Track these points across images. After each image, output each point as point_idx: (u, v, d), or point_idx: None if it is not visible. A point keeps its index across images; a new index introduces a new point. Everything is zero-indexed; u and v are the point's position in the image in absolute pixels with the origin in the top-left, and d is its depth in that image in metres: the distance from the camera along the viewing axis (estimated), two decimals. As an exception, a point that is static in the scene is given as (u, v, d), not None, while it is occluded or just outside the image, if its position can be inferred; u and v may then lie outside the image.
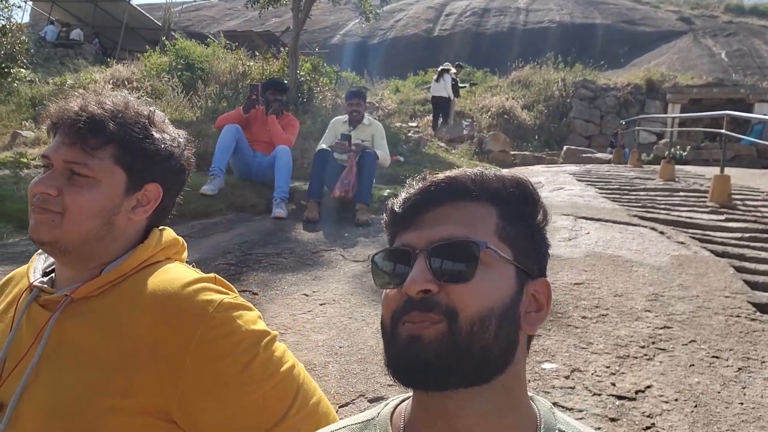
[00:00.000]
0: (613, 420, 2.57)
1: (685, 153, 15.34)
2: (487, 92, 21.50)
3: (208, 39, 15.98)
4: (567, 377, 2.93)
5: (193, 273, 1.25)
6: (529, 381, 2.86)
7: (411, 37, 33.59)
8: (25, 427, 1.11)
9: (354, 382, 2.82)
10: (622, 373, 2.99)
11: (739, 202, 7.56)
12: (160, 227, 1.36)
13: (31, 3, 26.13)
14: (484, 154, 13.27)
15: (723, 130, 8.86)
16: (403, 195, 0.90)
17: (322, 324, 3.41)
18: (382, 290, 0.87)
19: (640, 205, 7.45)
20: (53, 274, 1.30)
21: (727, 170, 8.09)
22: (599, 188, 8.64)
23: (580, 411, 2.63)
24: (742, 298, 4.09)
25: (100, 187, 1.21)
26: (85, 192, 1.19)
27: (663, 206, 7.39)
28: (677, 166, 10.78)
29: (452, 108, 15.76)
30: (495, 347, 0.80)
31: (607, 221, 6.19)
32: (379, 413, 0.91)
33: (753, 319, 3.74)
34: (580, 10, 34.56)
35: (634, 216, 6.64)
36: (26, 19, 27.79)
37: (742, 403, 2.77)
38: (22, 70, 14.17)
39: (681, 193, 8.41)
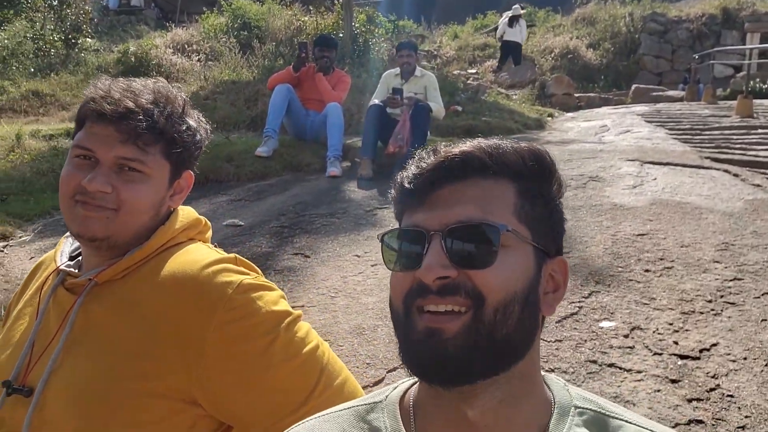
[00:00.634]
0: (674, 381, 2.45)
1: (766, 86, 14.36)
2: (549, 32, 20.58)
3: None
4: (626, 336, 2.80)
5: (214, 254, 1.23)
6: (585, 341, 2.76)
7: (469, -21, 32.45)
8: (52, 412, 1.12)
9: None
10: (686, 330, 2.84)
11: (824, 138, 7.04)
12: (181, 208, 1.34)
13: (92, -28, 26.59)
14: (546, 99, 12.81)
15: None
16: (413, 169, 0.83)
17: (373, 286, 3.38)
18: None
19: (713, 145, 7.04)
20: (80, 258, 1.29)
21: (811, 103, 7.51)
22: (669, 129, 8.21)
23: (639, 372, 2.52)
24: (823, 244, 3.81)
25: (150, 181, 1.20)
26: (139, 186, 1.19)
27: (738, 146, 6.96)
28: (756, 101, 10.10)
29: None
30: (518, 334, 0.77)
31: (676, 165, 5.87)
32: (387, 396, 0.88)
33: (835, 268, 3.48)
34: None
35: (706, 158, 6.29)
36: (89, -12, 28.34)
37: (818, 361, 2.59)
38: (88, 39, 14.55)
39: (759, 131, 7.89)
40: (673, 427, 2.18)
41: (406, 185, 0.82)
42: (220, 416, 1.18)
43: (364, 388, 1.50)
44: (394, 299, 0.81)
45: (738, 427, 2.18)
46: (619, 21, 19.92)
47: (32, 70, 13.32)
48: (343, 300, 3.23)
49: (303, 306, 3.12)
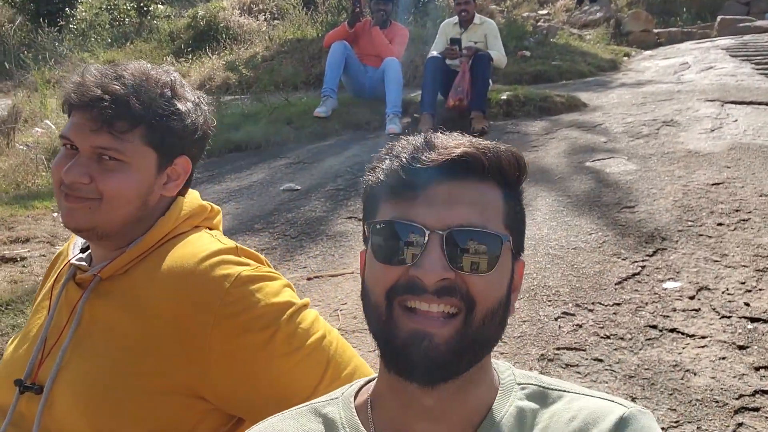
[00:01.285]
0: (741, 348, 2.27)
1: None
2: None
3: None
4: (692, 297, 2.62)
5: (214, 244, 1.19)
6: (646, 304, 2.60)
7: None
8: (61, 409, 1.12)
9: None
10: (760, 290, 2.62)
11: None
12: (185, 195, 1.30)
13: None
14: (622, 37, 12.03)
15: None
16: (408, 158, 0.80)
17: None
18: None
19: (806, 79, 6.45)
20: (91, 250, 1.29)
21: None
22: (756, 64, 7.57)
23: (703, 338, 2.35)
24: None
25: (131, 169, 1.15)
26: (119, 175, 1.14)
27: (836, 78, 6.34)
28: None
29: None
30: (497, 334, 0.82)
31: (760, 104, 5.42)
32: (343, 393, 0.91)
33: None
34: None
35: (797, 94, 5.76)
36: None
37: None
38: (159, 6, 14.84)
39: None
40: (737, 399, 2.03)
41: (403, 175, 0.79)
42: (228, 410, 1.17)
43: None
44: (375, 292, 0.79)
45: (811, 399, 2.00)
46: (705, -55, 18.40)
47: (109, 40, 13.75)
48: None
49: (353, 273, 3.09)
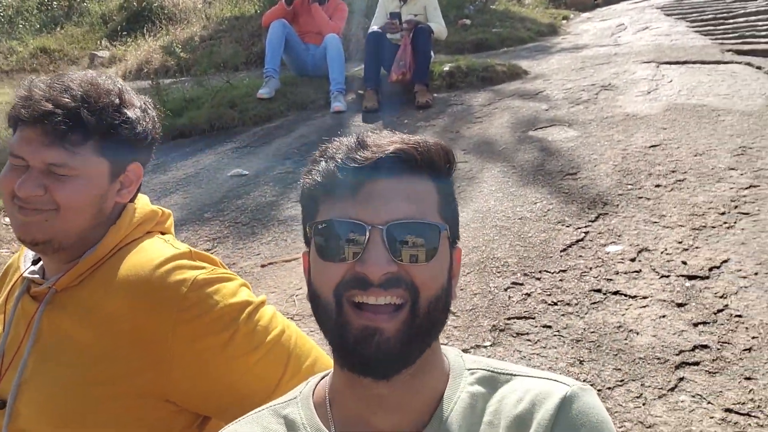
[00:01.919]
0: (680, 305, 2.39)
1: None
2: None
3: None
4: (633, 260, 2.73)
5: (167, 250, 1.20)
6: (590, 269, 2.70)
7: None
8: (26, 422, 1.13)
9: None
10: (696, 248, 2.75)
11: None
12: (135, 201, 1.30)
13: None
14: (560, 1, 12.22)
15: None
16: (343, 158, 0.83)
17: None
18: None
19: (736, 36, 6.67)
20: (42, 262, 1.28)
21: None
22: (690, 21, 7.79)
23: (644, 298, 2.46)
24: None
25: (84, 177, 1.15)
26: (73, 185, 1.14)
27: (764, 33, 6.56)
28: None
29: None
30: (442, 319, 0.85)
31: (694, 63, 5.59)
32: (301, 392, 0.93)
33: None
34: None
35: (728, 51, 5.97)
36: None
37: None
38: (89, -12, 14.28)
39: (787, 13, 7.44)
40: (678, 354, 2.15)
41: (339, 175, 0.81)
42: (194, 410, 1.19)
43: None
44: (323, 290, 0.82)
45: (744, 350, 2.13)
46: None
47: (38, 26, 13.21)
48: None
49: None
